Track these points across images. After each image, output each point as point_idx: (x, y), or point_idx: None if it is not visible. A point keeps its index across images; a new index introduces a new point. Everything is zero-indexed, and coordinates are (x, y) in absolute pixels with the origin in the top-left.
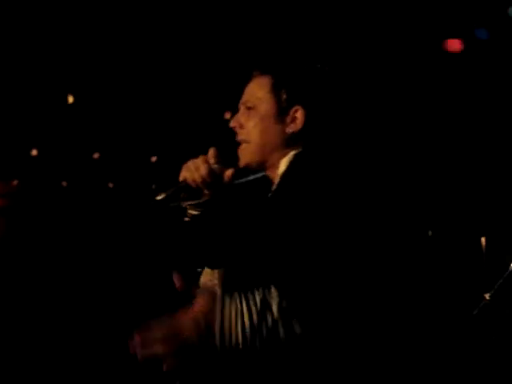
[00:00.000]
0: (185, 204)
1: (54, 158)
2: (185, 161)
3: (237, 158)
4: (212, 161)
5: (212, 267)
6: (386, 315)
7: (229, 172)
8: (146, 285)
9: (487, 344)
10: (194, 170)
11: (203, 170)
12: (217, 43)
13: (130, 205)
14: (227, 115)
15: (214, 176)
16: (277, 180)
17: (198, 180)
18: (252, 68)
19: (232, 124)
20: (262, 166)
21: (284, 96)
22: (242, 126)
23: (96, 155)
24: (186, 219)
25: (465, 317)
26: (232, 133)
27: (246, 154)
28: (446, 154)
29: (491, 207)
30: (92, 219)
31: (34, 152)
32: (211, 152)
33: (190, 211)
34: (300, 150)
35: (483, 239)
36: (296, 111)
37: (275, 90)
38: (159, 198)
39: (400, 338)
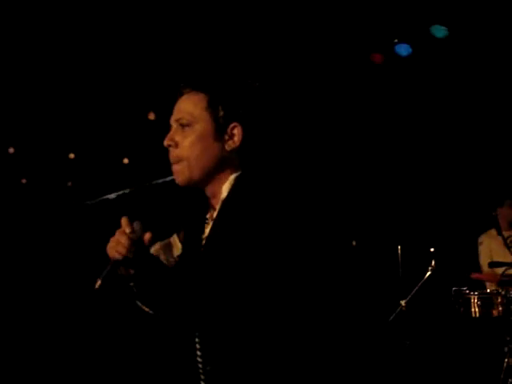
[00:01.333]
0: (124, 273)
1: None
2: (102, 158)
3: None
4: (127, 230)
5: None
6: (315, 319)
7: (147, 236)
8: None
9: (402, 348)
10: (116, 245)
11: (124, 240)
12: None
13: (44, 202)
14: (151, 116)
15: (135, 243)
16: (218, 205)
17: (123, 251)
18: (180, 83)
19: (166, 142)
20: (200, 184)
21: (221, 113)
22: (177, 145)
23: (11, 150)
24: (138, 288)
25: (382, 322)
26: (152, 134)
27: (181, 174)
28: (366, 167)
29: (407, 218)
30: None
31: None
32: (124, 222)
33: (140, 279)
34: (239, 172)
35: (399, 248)
36: (234, 128)
37: (211, 107)
38: (97, 285)
39: (325, 342)
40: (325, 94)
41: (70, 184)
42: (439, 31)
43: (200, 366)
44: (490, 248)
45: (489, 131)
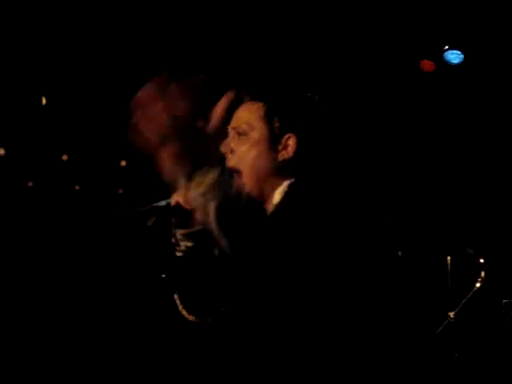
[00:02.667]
0: (180, 233)
1: (21, 158)
2: (152, 166)
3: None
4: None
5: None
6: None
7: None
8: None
9: (451, 361)
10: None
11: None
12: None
13: (96, 209)
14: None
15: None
16: (271, 209)
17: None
18: (241, 92)
19: (222, 149)
20: (259, 195)
21: (277, 124)
22: (232, 152)
23: (65, 157)
24: (179, 253)
25: (430, 334)
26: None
27: (244, 187)
28: (417, 176)
29: (457, 229)
30: (58, 221)
31: (2, 151)
32: None
33: (183, 242)
34: (293, 179)
35: (449, 259)
36: (288, 139)
37: (268, 117)
38: (150, 223)
39: (371, 354)
40: (373, 103)
41: (121, 191)
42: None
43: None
44: None
45: None
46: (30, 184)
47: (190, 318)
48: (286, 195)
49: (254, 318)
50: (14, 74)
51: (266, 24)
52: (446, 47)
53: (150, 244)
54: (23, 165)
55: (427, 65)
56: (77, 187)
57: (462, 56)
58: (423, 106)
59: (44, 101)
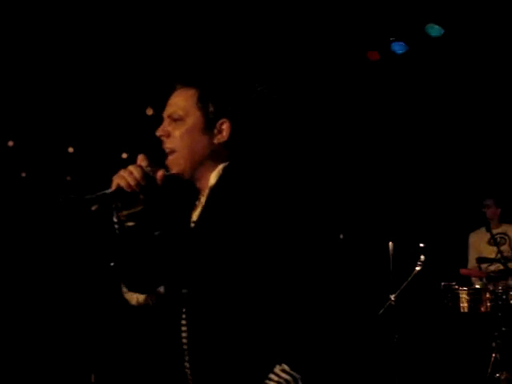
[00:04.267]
0: (122, 214)
1: None
2: (100, 154)
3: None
4: (144, 164)
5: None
6: (300, 307)
7: (160, 173)
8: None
9: (391, 342)
10: (127, 176)
11: (137, 173)
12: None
13: (43, 197)
14: (149, 111)
15: (148, 178)
16: (206, 192)
17: (133, 184)
18: (174, 79)
19: (158, 133)
20: (191, 176)
21: (211, 109)
22: (168, 135)
23: (10, 143)
24: (120, 231)
25: (371, 316)
26: (150, 129)
27: (176, 165)
28: (358, 161)
29: (398, 213)
30: (5, 209)
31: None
32: (141, 157)
33: (125, 222)
34: (227, 163)
35: (391, 244)
36: (222, 123)
37: (202, 102)
38: (93, 208)
39: (311, 332)
40: (317, 90)
41: (68, 178)
42: (434, 30)
43: (186, 346)
44: (478, 245)
45: (480, 129)
46: None
47: (133, 300)
48: (221, 178)
49: (195, 295)
50: None
51: (201, 11)
52: (392, 39)
53: (97, 230)
54: None
55: (373, 55)
56: (23, 174)
57: (407, 47)
58: (369, 95)
59: None
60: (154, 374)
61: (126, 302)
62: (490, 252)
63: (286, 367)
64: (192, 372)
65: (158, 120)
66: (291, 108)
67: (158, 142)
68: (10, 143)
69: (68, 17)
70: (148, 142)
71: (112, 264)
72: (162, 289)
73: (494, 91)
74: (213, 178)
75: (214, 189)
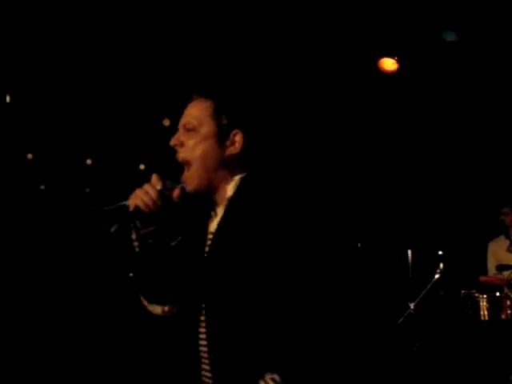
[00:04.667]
0: (140, 233)
1: None
2: (118, 165)
3: (176, 171)
4: (158, 185)
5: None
6: (319, 317)
7: (177, 191)
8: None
9: (411, 351)
10: (143, 195)
11: (153, 193)
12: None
13: (62, 209)
14: (166, 122)
15: (164, 197)
16: (224, 203)
17: (150, 203)
18: (190, 89)
19: (172, 142)
20: (208, 188)
21: (224, 121)
22: (182, 144)
23: (29, 156)
24: (139, 248)
25: (391, 324)
26: (167, 140)
27: (191, 180)
28: (378, 169)
29: (417, 222)
30: (23, 220)
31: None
32: (155, 177)
33: (144, 240)
34: (244, 174)
35: (409, 252)
36: (235, 135)
37: (216, 114)
38: (113, 229)
39: (329, 341)
40: (328, 95)
41: (87, 190)
42: (450, 36)
43: (205, 354)
44: (498, 253)
45: (497, 137)
46: None
47: (156, 310)
48: (239, 189)
49: (216, 304)
50: None
51: (215, 24)
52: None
53: (114, 245)
54: None
55: (388, 64)
56: (42, 187)
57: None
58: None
59: (8, 99)
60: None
61: (147, 312)
62: (511, 259)
63: (276, 377)
64: (213, 379)
65: (175, 131)
66: (305, 116)
67: (175, 153)
68: (29, 156)
69: (84, 28)
70: (165, 154)
71: (131, 275)
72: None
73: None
74: (230, 190)
75: (232, 200)
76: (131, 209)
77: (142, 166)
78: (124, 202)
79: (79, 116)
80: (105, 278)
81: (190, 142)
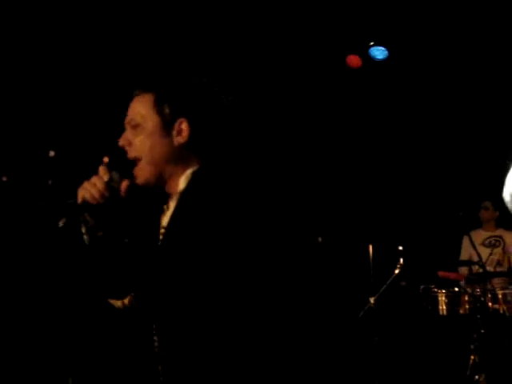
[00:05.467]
0: (89, 225)
1: None
2: (81, 158)
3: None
4: (105, 177)
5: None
6: (279, 315)
7: (124, 183)
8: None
9: (371, 345)
10: (90, 188)
11: (100, 184)
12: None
13: (22, 202)
14: None
15: (111, 189)
16: (176, 197)
17: (97, 195)
18: (131, 86)
19: (121, 143)
20: (159, 181)
21: (167, 110)
22: (130, 144)
23: None
24: (89, 241)
25: (351, 319)
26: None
27: (141, 173)
28: (338, 162)
29: (378, 217)
30: None
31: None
32: (102, 169)
33: (94, 233)
34: (196, 167)
35: (370, 246)
36: (181, 123)
37: (158, 105)
38: (61, 223)
39: (291, 338)
40: (290, 88)
41: (50, 182)
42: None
43: (156, 350)
44: (469, 247)
45: (463, 132)
46: None
47: (116, 304)
48: (191, 182)
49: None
50: None
51: (152, 15)
52: (371, 43)
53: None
54: None
55: (354, 60)
56: (3, 178)
57: (387, 52)
58: (348, 101)
59: None
60: (130, 377)
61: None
62: (484, 253)
63: None
64: (164, 377)
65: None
66: (260, 107)
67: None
68: None
69: (54, 25)
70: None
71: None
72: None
73: (493, 94)
74: (182, 183)
75: (183, 193)
76: (79, 201)
77: (106, 159)
78: (71, 201)
79: (43, 107)
80: (66, 271)
81: (137, 140)
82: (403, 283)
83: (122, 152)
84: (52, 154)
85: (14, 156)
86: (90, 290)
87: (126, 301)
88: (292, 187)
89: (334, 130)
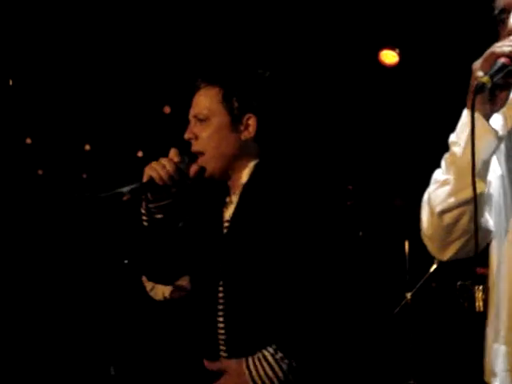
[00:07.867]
0: (152, 205)
1: None
2: (116, 152)
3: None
4: (176, 159)
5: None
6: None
7: (194, 167)
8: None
9: (407, 340)
10: (160, 169)
11: (170, 167)
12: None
13: (59, 194)
14: (166, 110)
15: (180, 172)
16: (238, 189)
17: (166, 177)
18: (195, 77)
19: (186, 136)
20: (222, 175)
21: (235, 105)
22: (196, 137)
23: (28, 140)
24: (147, 222)
25: (387, 314)
26: (167, 128)
27: (208, 165)
28: (376, 161)
29: (415, 213)
30: (20, 205)
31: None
32: (173, 151)
33: (154, 215)
34: (258, 160)
35: (406, 242)
36: (249, 119)
37: (226, 100)
38: (125, 198)
39: (332, 327)
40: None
41: (84, 176)
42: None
43: (221, 336)
44: None
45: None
46: None
47: (159, 295)
48: (253, 175)
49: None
50: None
51: (216, 9)
52: None
53: (112, 228)
54: None
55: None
56: (40, 172)
57: None
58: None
59: (10, 82)
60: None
61: (149, 298)
62: None
63: (271, 349)
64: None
65: (175, 118)
66: (306, 101)
67: (177, 141)
68: (28, 140)
69: (83, 16)
70: (164, 141)
71: (126, 261)
72: (185, 283)
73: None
74: (245, 176)
75: (246, 186)
76: (145, 180)
77: (140, 153)
78: (120, 189)
79: (79, 101)
80: (101, 264)
81: (204, 135)
82: (433, 284)
83: (186, 144)
84: (87, 147)
85: (50, 150)
86: (134, 273)
87: (167, 293)
88: (337, 182)
89: (369, 127)
